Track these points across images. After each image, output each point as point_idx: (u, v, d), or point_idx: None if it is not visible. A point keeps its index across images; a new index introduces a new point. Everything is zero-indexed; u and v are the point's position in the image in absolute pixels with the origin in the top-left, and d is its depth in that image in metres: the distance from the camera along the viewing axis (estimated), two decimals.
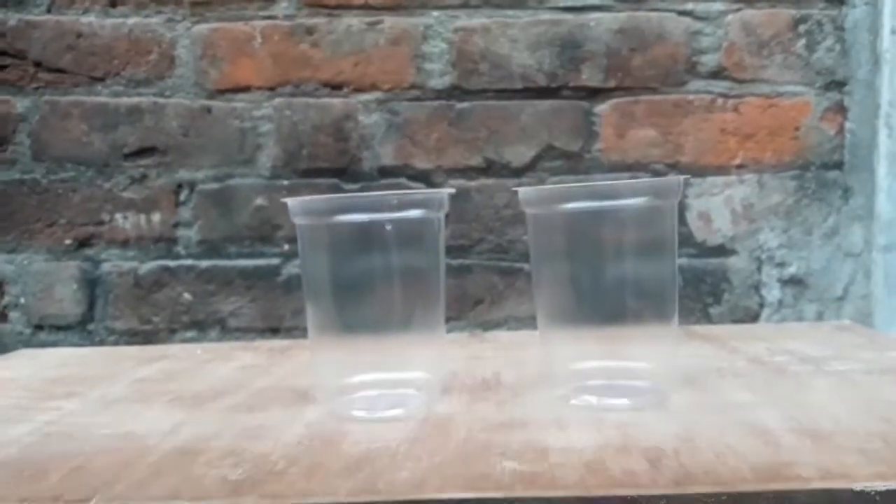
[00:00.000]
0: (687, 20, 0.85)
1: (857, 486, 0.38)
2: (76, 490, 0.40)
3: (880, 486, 0.38)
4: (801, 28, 0.85)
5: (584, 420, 0.49)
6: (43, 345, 0.86)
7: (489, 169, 0.87)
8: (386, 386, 0.52)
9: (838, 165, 0.86)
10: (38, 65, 0.86)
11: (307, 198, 0.50)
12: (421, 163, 0.86)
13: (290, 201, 0.50)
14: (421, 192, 0.53)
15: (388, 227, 0.49)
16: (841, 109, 0.86)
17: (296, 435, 0.48)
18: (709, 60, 0.86)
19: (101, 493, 0.39)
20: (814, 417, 0.48)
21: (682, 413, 0.49)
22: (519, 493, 0.38)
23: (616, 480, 0.39)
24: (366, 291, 0.50)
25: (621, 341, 0.52)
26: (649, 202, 0.50)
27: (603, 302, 0.52)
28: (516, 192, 0.54)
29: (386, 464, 0.42)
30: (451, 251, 0.87)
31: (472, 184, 0.87)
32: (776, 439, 0.44)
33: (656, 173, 0.86)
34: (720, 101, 0.86)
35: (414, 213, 0.50)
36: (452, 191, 0.53)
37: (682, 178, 0.51)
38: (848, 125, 0.86)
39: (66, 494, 0.39)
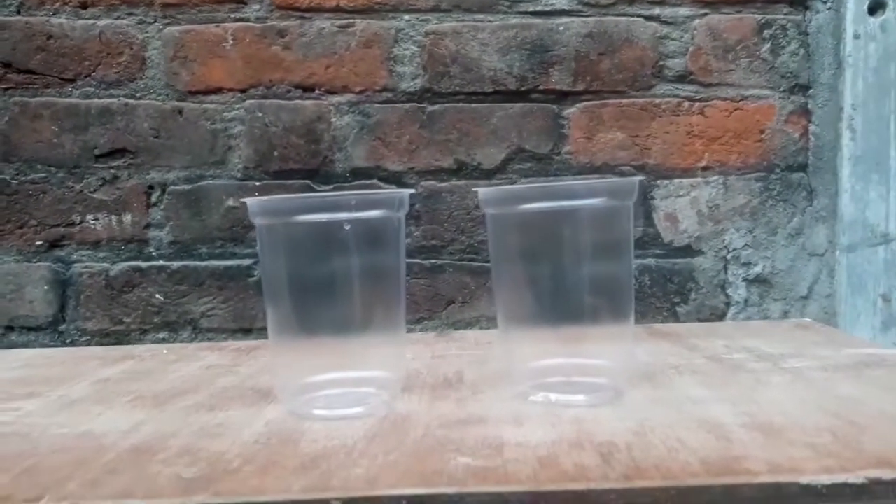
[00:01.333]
0: (654, 25, 0.86)
1: (804, 480, 0.38)
2: (27, 489, 0.40)
3: (826, 479, 0.38)
4: (766, 33, 0.87)
5: (540, 416, 0.49)
6: (13, 346, 0.86)
7: (460, 170, 0.87)
8: (347, 385, 0.52)
9: (802, 167, 0.88)
10: (7, 66, 0.85)
11: (266, 198, 0.51)
12: (393, 164, 0.87)
13: (250, 201, 0.50)
14: (380, 192, 0.54)
15: (347, 227, 0.49)
16: (805, 112, 0.87)
17: (254, 434, 0.48)
18: (675, 64, 0.87)
19: (52, 492, 0.39)
20: (766, 413, 0.48)
21: (638, 409, 0.50)
22: (471, 488, 0.38)
23: (568, 475, 0.39)
24: (326, 292, 0.51)
25: (579, 339, 0.53)
26: (606, 202, 0.51)
27: (561, 300, 0.52)
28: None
29: (341, 461, 0.42)
30: (423, 251, 0.87)
31: (444, 185, 0.87)
32: (727, 434, 0.45)
33: (624, 175, 0.87)
34: (686, 104, 0.87)
35: (374, 213, 0.51)
36: (412, 191, 0.53)
37: (637, 179, 0.52)
38: (812, 128, 0.87)
39: (16, 494, 0.39)
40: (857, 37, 0.85)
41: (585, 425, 0.47)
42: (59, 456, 0.45)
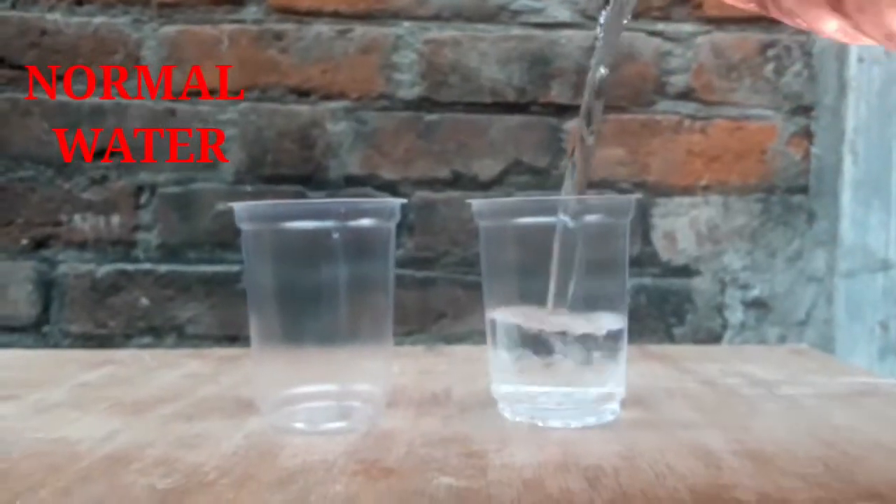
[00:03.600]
0: (657, 41, 0.86)
1: None
2: None
3: None
4: (770, 52, 0.86)
5: (527, 437, 0.48)
6: None
7: (456, 182, 0.86)
8: (330, 398, 0.51)
9: (803, 190, 0.87)
10: (0, 60, 0.84)
11: (253, 203, 0.49)
12: (388, 173, 0.86)
13: (237, 205, 0.49)
14: (371, 200, 0.53)
15: (335, 236, 0.48)
16: (807, 134, 0.87)
17: (233, 446, 0.46)
18: (678, 81, 0.86)
19: (23, 499, 0.38)
20: (757, 440, 0.47)
21: (627, 432, 0.49)
22: None
23: (552, 499, 0.38)
24: (311, 301, 0.49)
25: None
26: (602, 219, 0.50)
27: None
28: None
29: (320, 477, 0.41)
30: (415, 263, 0.86)
31: (439, 196, 0.86)
32: (718, 461, 0.43)
33: (622, 192, 0.86)
34: (688, 122, 0.86)
35: (364, 222, 0.49)
36: (404, 200, 0.52)
37: (634, 197, 0.51)
38: (814, 150, 0.87)
39: None
40: (860, 60, 0.84)
41: (572, 448, 0.46)
42: (32, 461, 0.43)
